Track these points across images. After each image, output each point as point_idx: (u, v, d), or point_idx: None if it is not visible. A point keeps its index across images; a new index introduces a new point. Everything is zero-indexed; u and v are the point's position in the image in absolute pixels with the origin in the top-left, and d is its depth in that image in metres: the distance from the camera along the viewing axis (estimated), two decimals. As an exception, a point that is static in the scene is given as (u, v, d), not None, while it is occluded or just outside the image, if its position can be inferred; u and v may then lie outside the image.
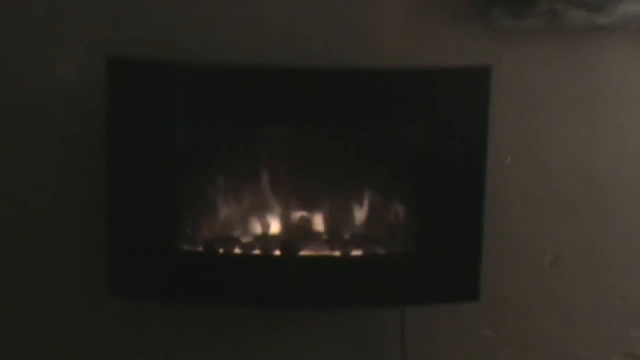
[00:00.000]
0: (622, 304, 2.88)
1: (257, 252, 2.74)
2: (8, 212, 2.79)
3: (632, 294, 2.89)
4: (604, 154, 2.81)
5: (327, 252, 2.75)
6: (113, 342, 2.89)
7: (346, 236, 2.80)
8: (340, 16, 2.77)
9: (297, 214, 2.81)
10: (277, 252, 2.73)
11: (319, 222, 2.82)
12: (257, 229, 2.81)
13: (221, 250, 2.71)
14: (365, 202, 2.81)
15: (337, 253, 2.75)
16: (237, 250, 2.73)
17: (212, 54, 2.67)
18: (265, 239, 2.78)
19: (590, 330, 2.93)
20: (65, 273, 2.82)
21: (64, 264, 2.81)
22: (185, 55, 2.67)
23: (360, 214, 2.80)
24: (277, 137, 2.82)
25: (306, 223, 2.81)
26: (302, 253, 2.74)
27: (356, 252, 2.77)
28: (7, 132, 2.75)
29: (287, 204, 2.82)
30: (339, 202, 2.83)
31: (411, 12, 2.74)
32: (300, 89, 2.66)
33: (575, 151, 2.82)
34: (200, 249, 2.75)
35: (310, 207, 2.85)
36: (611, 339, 2.90)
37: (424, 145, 2.68)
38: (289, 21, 2.76)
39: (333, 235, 2.79)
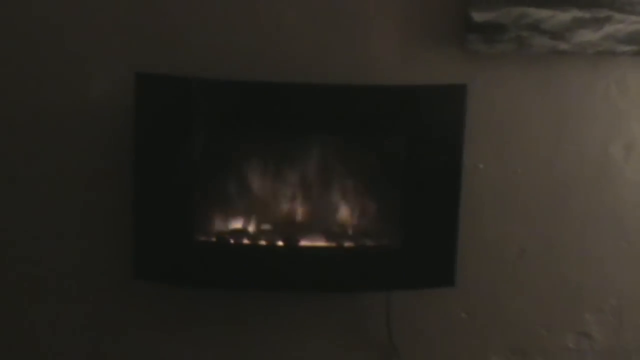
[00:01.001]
0: (577, 291, 3.12)
1: (262, 242, 2.98)
2: (52, 207, 3.02)
3: (585, 283, 3.12)
4: (564, 162, 3.03)
5: (323, 244, 2.99)
6: (137, 320, 3.11)
7: (340, 230, 3.02)
8: (338, 41, 2.97)
9: (298, 211, 3.03)
10: (280, 243, 2.97)
11: (317, 218, 3.04)
12: (263, 222, 3.03)
13: (232, 241, 2.95)
14: (357, 202, 3.05)
15: (332, 244, 2.99)
16: (245, 241, 2.98)
17: (226, 70, 2.86)
18: (269, 232, 3.01)
19: (550, 314, 3.14)
20: (98, 260, 3.05)
21: (98, 252, 3.04)
22: (201, 71, 2.85)
23: (352, 212, 3.03)
24: (280, 143, 3.02)
25: (306, 218, 3.02)
26: (302, 244, 2.98)
27: (348, 244, 3.00)
28: (50, 137, 2.98)
29: (289, 202, 3.04)
30: (334, 202, 3.05)
31: (398, 37, 2.95)
32: (302, 102, 2.91)
33: (539, 159, 3.03)
34: (214, 239, 2.98)
35: (309, 205, 3.06)
36: (568, 320, 3.13)
37: (408, 153, 2.92)
38: (293, 45, 2.96)
39: (329, 229, 3.01)
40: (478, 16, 2.85)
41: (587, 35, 2.86)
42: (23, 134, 3.02)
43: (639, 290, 3.20)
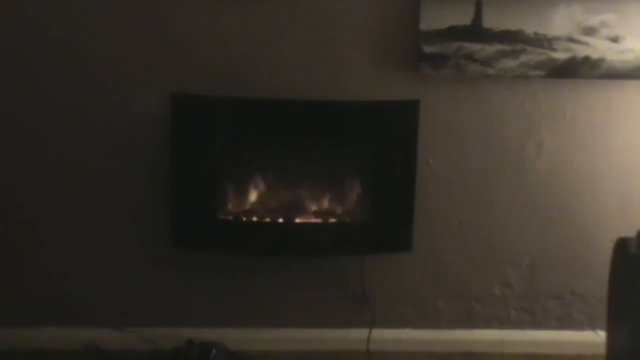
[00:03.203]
0: (501, 252, 3.59)
1: (267, 220, 3.48)
2: (112, 199, 3.48)
3: (507, 246, 3.58)
4: (492, 157, 3.50)
5: (313, 220, 3.49)
6: (174, 277, 3.58)
7: (325, 210, 3.50)
8: (321, 67, 3.39)
9: (294, 195, 3.50)
10: (280, 220, 3.48)
11: (308, 201, 3.52)
12: (268, 205, 3.50)
13: (244, 219, 3.44)
14: (338, 189, 3.54)
15: (319, 221, 3.50)
16: (254, 219, 3.47)
17: (239, 90, 3.32)
18: (272, 212, 3.48)
19: (481, 269, 3.60)
20: (145, 233, 3.51)
21: (146, 227, 3.50)
22: (221, 91, 3.32)
23: (334, 197, 3.53)
24: (280, 146, 3.47)
25: (300, 201, 3.49)
26: (297, 221, 3.47)
27: (332, 220, 3.51)
28: (109, 141, 3.41)
29: (287, 189, 3.52)
30: (320, 189, 3.53)
31: (368, 64, 3.38)
32: (294, 114, 3.41)
33: (473, 155, 3.49)
34: (231, 217, 3.46)
35: (302, 191, 3.53)
36: (494, 274, 3.60)
37: (375, 152, 3.39)
38: (288, 70, 3.37)
39: (317, 209, 3.49)
40: (427, 49, 3.29)
41: (508, 63, 3.33)
42: (89, 138, 3.42)
43: (546, 253, 3.61)
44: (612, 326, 3.00)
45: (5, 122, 3.44)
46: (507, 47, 3.32)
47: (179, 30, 3.35)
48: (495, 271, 3.66)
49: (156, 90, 3.35)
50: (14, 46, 3.36)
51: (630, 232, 2.85)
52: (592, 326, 3.53)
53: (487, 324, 3.67)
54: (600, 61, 3.32)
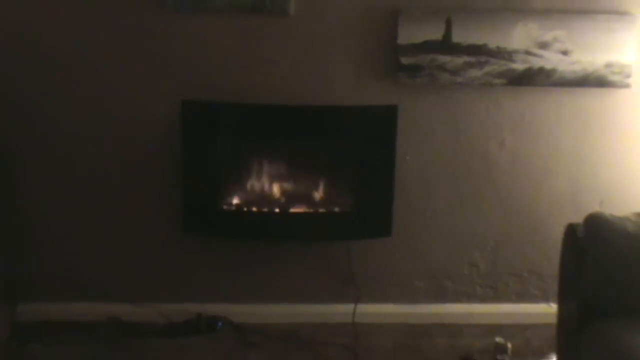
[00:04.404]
0: (470, 237, 3.76)
1: (265, 210, 3.66)
2: (132, 193, 3.65)
3: (474, 232, 3.74)
4: (460, 154, 3.66)
5: (305, 210, 3.65)
6: (185, 259, 3.74)
7: (316, 201, 3.67)
8: (312, 77, 3.56)
9: (288, 188, 3.66)
10: (277, 210, 3.65)
11: (301, 193, 3.67)
12: (266, 196, 3.66)
13: (245, 209, 3.65)
14: (327, 183, 3.68)
15: (310, 210, 3.66)
16: (254, 209, 3.66)
17: (240, 96, 3.48)
18: (269, 203, 3.66)
19: (452, 252, 3.75)
20: (160, 221, 3.68)
21: (161, 216, 3.68)
22: (224, 97, 3.48)
23: (324, 189, 3.68)
24: (276, 145, 3.65)
25: (293, 193, 3.66)
26: (291, 210, 3.65)
27: (322, 210, 3.68)
28: (127, 147, 3.59)
29: (282, 183, 3.66)
30: (312, 182, 3.67)
31: (353, 74, 3.55)
32: (289, 117, 3.55)
33: (444, 153, 3.65)
34: (233, 208, 3.65)
35: (296, 184, 3.67)
36: (463, 256, 3.77)
37: (359, 150, 3.55)
38: (282, 79, 3.53)
39: (308, 200, 3.66)
40: (404, 60, 3.48)
41: (474, 73, 3.52)
42: (113, 139, 3.60)
43: (507, 237, 3.75)
44: (563, 299, 3.07)
45: (44, 124, 3.58)
46: (473, 59, 3.50)
47: (189, 47, 3.51)
48: (464, 253, 3.82)
49: (169, 98, 3.53)
50: (47, 60, 3.51)
51: (578, 219, 2.94)
52: (546, 299, 3.66)
53: (456, 298, 3.82)
54: (552, 71, 3.49)
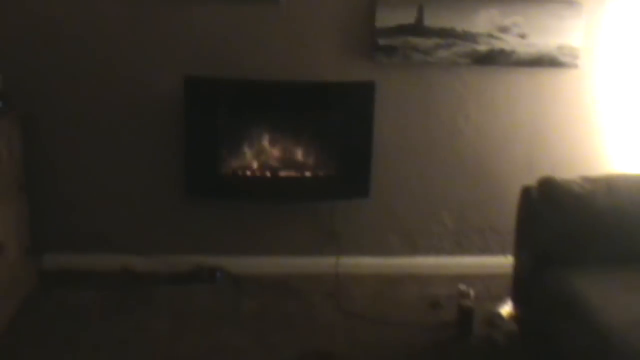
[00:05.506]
0: (440, 199, 3.94)
1: (257, 174, 3.83)
2: (142, 159, 3.81)
3: (443, 195, 3.91)
4: (431, 126, 3.84)
5: (293, 174, 3.83)
6: (189, 218, 3.90)
7: (303, 166, 3.82)
8: (298, 55, 3.70)
9: (278, 155, 3.83)
10: (268, 174, 3.83)
11: (290, 159, 3.82)
12: (259, 162, 3.81)
13: (240, 173, 3.81)
14: (313, 150, 3.84)
15: (298, 174, 3.83)
16: (248, 173, 3.82)
17: (237, 72, 3.64)
18: (262, 167, 3.82)
19: (423, 212, 3.93)
20: (167, 183, 3.83)
21: (168, 179, 3.81)
22: (223, 73, 3.62)
23: (310, 156, 3.84)
24: (268, 116, 3.81)
25: (283, 160, 3.82)
26: (281, 174, 3.82)
27: (308, 174, 3.85)
28: (137, 119, 3.74)
29: (273, 150, 3.83)
30: (300, 149, 3.83)
31: (335, 53, 3.72)
32: (279, 92, 3.69)
33: (416, 125, 3.81)
34: (230, 172, 3.81)
35: (285, 151, 3.83)
36: (433, 216, 3.93)
37: (341, 121, 3.71)
38: (273, 56, 3.68)
39: (296, 165, 3.82)
40: (381, 41, 3.67)
41: (443, 53, 3.72)
42: (126, 109, 3.74)
43: (471, 199, 3.94)
44: (518, 252, 3.25)
45: (68, 98, 3.74)
46: (442, 41, 3.69)
47: (190, 28, 3.67)
48: (433, 213, 4.02)
49: (173, 74, 3.68)
50: (70, 45, 3.69)
51: (533, 182, 3.16)
52: (504, 252, 3.64)
53: (427, 252, 4.01)
54: (512, 52, 3.73)
